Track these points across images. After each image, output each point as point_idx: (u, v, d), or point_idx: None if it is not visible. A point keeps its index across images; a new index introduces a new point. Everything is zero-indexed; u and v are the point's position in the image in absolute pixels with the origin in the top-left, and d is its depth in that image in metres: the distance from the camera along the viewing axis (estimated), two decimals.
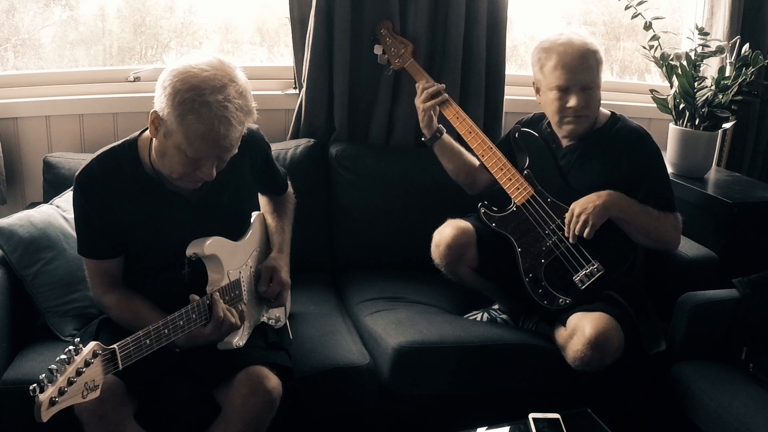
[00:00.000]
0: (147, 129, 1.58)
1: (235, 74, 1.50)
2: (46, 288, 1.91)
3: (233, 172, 1.67)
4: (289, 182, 1.99)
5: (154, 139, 1.54)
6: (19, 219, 1.94)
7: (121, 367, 1.35)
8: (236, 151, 1.54)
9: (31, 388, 1.21)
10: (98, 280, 1.65)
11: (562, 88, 1.98)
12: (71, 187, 2.07)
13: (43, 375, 1.22)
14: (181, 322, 1.49)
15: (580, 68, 1.96)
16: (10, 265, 1.90)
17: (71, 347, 1.27)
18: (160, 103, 1.47)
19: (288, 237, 1.87)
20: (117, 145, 1.63)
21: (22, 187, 2.45)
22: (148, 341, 1.41)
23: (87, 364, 1.27)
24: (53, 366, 1.24)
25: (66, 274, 1.92)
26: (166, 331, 1.46)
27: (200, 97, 1.43)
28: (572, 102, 1.98)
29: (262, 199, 1.93)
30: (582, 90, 1.97)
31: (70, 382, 1.24)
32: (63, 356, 1.25)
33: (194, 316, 1.52)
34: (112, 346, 1.34)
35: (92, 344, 1.30)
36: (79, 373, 1.26)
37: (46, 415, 1.22)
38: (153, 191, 1.61)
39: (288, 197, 1.97)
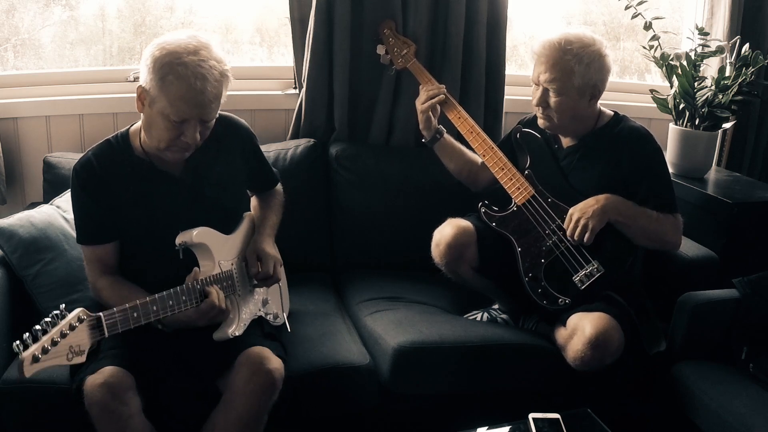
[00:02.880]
0: (137, 122, 1.69)
1: (210, 45, 1.59)
2: (46, 288, 1.90)
3: (219, 154, 1.75)
4: (279, 180, 2.01)
5: (142, 115, 1.64)
6: (19, 219, 1.94)
7: (107, 334, 1.38)
8: (216, 114, 1.62)
9: (15, 344, 1.25)
10: (95, 266, 1.71)
11: (534, 82, 2.03)
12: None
13: (27, 334, 1.26)
14: (171, 302, 1.53)
15: (545, 68, 1.97)
16: (10, 265, 1.89)
17: (57, 312, 1.31)
18: (143, 76, 1.58)
19: (270, 222, 1.89)
20: (110, 137, 1.73)
21: (22, 187, 2.45)
22: (135, 314, 1.45)
23: (72, 327, 1.31)
24: (38, 327, 1.27)
25: (66, 274, 1.91)
26: (155, 307, 1.50)
27: (177, 59, 1.53)
28: (534, 98, 2.03)
29: (252, 200, 1.96)
30: (545, 90, 1.99)
31: (54, 342, 1.27)
32: (48, 319, 1.29)
33: (184, 297, 1.56)
34: (97, 314, 1.38)
35: (78, 310, 1.34)
36: (63, 335, 1.29)
37: (29, 371, 1.25)
38: (144, 172, 1.69)
39: (276, 193, 2.00)
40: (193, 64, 1.53)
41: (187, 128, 1.58)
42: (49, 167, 2.23)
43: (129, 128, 1.74)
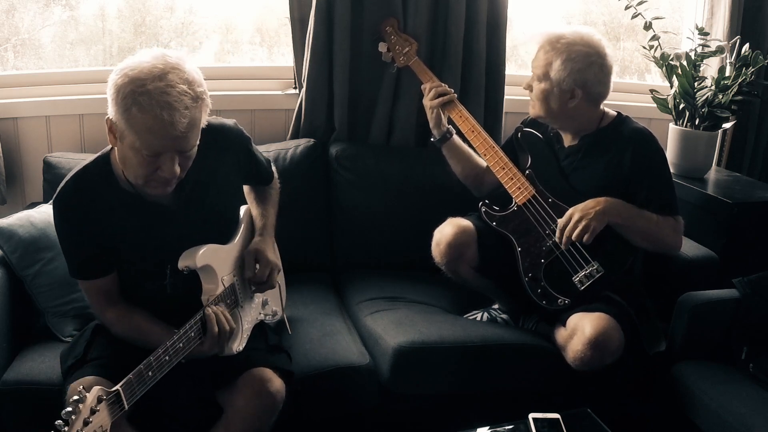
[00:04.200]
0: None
1: (181, 64, 1.42)
2: (46, 288, 1.91)
3: (213, 174, 1.64)
4: (273, 169, 1.94)
5: (115, 148, 1.49)
6: (19, 219, 1.94)
7: (127, 407, 1.31)
8: (196, 142, 1.47)
9: None
10: (96, 298, 1.62)
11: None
12: None
13: None
14: (181, 344, 1.45)
15: (536, 55, 2.05)
16: (10, 265, 1.90)
17: (76, 396, 1.23)
18: (109, 107, 1.42)
19: (270, 221, 1.83)
20: (89, 163, 1.57)
21: (22, 187, 2.45)
22: (150, 373, 1.37)
23: (93, 412, 1.24)
24: (59, 421, 1.20)
25: (66, 274, 1.89)
26: (167, 357, 1.41)
27: (140, 87, 1.36)
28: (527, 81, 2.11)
29: (245, 189, 1.88)
30: (533, 75, 2.06)
31: None
32: (69, 409, 1.21)
33: (193, 334, 1.49)
34: (115, 388, 1.30)
35: (96, 390, 1.26)
36: (86, 423, 1.22)
37: None
38: (132, 205, 1.56)
39: (273, 182, 1.93)
40: (158, 92, 1.35)
41: (163, 162, 1.42)
42: (49, 167, 2.23)
43: (108, 153, 1.57)
